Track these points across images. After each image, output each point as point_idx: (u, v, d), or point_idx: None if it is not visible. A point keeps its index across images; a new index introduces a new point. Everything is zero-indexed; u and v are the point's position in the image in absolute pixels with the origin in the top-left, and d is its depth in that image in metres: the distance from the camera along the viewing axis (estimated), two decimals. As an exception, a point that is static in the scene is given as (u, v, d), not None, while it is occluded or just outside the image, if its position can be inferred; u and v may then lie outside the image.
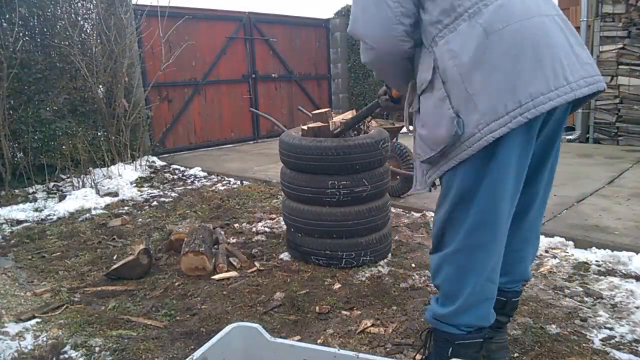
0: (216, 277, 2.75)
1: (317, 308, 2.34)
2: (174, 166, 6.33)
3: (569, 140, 7.21)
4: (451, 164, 1.44)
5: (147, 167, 6.07)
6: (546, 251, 2.97)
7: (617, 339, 2.01)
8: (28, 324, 2.29)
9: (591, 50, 6.86)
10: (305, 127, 2.88)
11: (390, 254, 2.96)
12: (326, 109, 3.02)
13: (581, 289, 2.46)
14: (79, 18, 5.82)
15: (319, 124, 2.81)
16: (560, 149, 1.64)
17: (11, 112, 5.15)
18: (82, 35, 5.86)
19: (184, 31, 7.03)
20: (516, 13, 1.36)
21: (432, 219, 3.64)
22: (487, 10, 1.37)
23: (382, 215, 2.82)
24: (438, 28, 1.43)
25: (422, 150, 1.51)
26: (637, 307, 2.26)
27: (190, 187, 5.20)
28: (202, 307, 2.43)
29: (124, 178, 5.37)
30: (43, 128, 5.30)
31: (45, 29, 5.54)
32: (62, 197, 4.61)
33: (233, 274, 2.79)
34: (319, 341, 2.06)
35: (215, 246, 3.09)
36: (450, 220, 1.53)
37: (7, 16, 5.12)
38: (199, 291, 2.60)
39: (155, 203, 4.51)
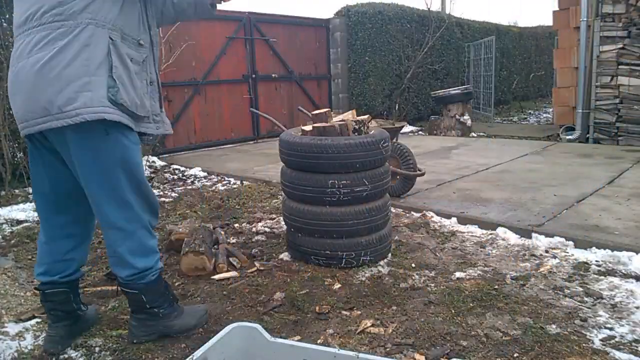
0: (216, 277, 2.75)
1: (317, 308, 2.34)
2: (174, 166, 6.32)
3: (569, 140, 7.21)
4: None
5: (147, 167, 6.07)
6: (546, 251, 2.97)
7: (617, 339, 2.01)
8: (28, 324, 2.29)
9: (591, 51, 6.86)
10: (305, 128, 2.88)
11: (390, 254, 2.96)
12: (326, 109, 3.02)
13: (581, 289, 2.46)
14: (79, 18, 5.82)
15: (324, 123, 2.81)
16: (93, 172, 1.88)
17: (11, 112, 5.14)
18: (82, 35, 5.85)
19: (184, 31, 7.03)
20: (15, 57, 1.81)
21: (432, 218, 3.64)
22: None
23: (382, 215, 2.82)
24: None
25: None
26: (637, 307, 2.26)
27: (190, 187, 5.20)
28: (202, 307, 2.42)
29: (124, 178, 5.36)
30: (43, 128, 5.29)
31: (45, 29, 5.53)
32: (62, 197, 4.60)
33: (233, 274, 2.79)
34: (319, 341, 2.06)
35: (215, 246, 3.09)
36: None
37: (7, 16, 5.11)
38: (199, 291, 2.60)
39: (155, 203, 4.51)
